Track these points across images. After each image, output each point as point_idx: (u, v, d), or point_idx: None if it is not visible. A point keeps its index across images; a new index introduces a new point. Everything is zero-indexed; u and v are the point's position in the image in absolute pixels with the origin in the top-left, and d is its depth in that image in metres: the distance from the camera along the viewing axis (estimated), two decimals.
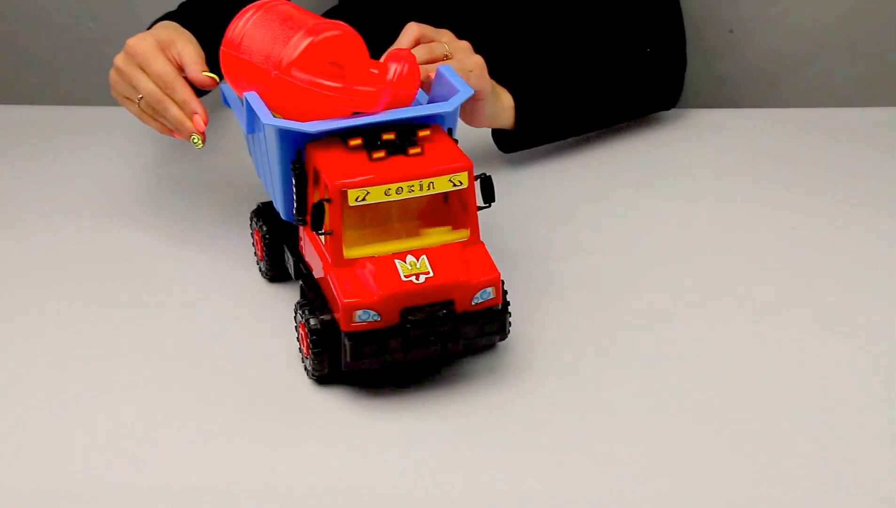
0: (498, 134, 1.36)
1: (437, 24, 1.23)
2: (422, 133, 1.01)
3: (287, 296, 1.15)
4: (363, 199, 0.98)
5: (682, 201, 1.32)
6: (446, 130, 1.06)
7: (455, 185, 0.99)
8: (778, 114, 1.55)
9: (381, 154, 0.99)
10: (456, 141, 1.05)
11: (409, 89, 1.05)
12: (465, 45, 1.21)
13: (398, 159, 0.99)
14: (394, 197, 0.98)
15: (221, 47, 1.07)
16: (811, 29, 1.80)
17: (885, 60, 1.82)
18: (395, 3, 1.49)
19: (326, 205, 0.98)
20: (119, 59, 1.16)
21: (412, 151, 1.00)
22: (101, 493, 0.93)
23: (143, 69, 1.14)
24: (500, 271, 1.00)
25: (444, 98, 1.08)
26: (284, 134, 1.03)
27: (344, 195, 0.97)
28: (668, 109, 1.49)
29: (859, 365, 1.06)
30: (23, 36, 1.97)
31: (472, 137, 1.35)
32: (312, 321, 1.00)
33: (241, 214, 1.29)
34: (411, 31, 1.19)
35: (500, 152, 1.37)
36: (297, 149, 1.04)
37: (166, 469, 0.95)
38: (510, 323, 1.04)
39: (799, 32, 1.80)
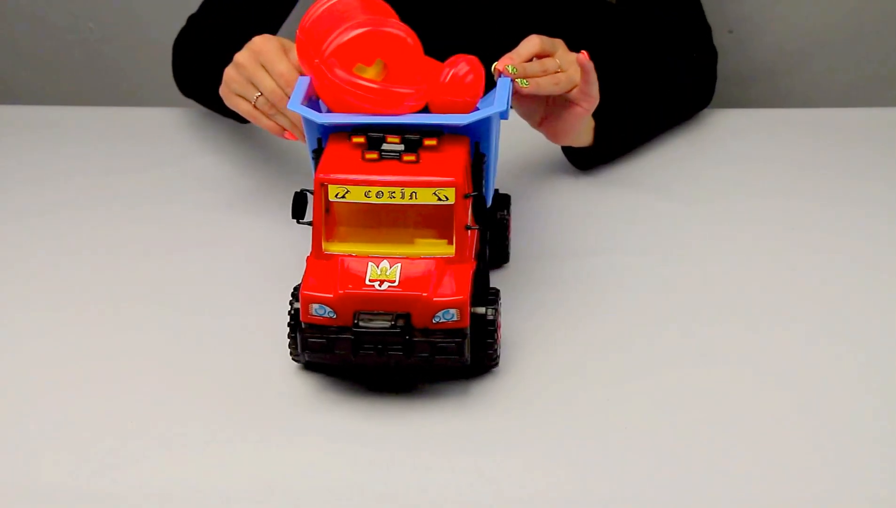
0: (570, 151, 1.36)
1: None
2: (428, 142, 1.00)
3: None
4: (343, 196, 0.98)
5: (680, 200, 1.32)
6: (471, 144, 1.04)
7: (440, 199, 0.98)
8: (778, 114, 1.55)
9: (374, 156, 0.99)
10: (483, 156, 1.04)
11: (462, 96, 1.03)
12: (574, 58, 1.20)
13: (389, 164, 0.99)
14: (374, 200, 0.98)
15: (297, 31, 1.08)
16: (811, 29, 1.80)
17: (885, 60, 1.82)
18: (401, 4, 1.48)
19: (314, 197, 0.99)
20: (241, 56, 1.18)
21: (406, 157, 0.99)
22: (101, 493, 0.93)
23: (265, 68, 1.16)
24: (499, 284, 0.98)
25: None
26: (309, 121, 1.04)
27: (325, 189, 0.98)
28: (708, 105, 1.50)
29: (859, 365, 1.06)
30: (23, 36, 1.97)
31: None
32: (292, 306, 1.02)
33: (242, 212, 1.30)
34: (532, 45, 1.16)
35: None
36: (318, 137, 1.05)
37: (166, 470, 0.95)
38: (497, 349, 1.02)
39: (799, 33, 1.80)
